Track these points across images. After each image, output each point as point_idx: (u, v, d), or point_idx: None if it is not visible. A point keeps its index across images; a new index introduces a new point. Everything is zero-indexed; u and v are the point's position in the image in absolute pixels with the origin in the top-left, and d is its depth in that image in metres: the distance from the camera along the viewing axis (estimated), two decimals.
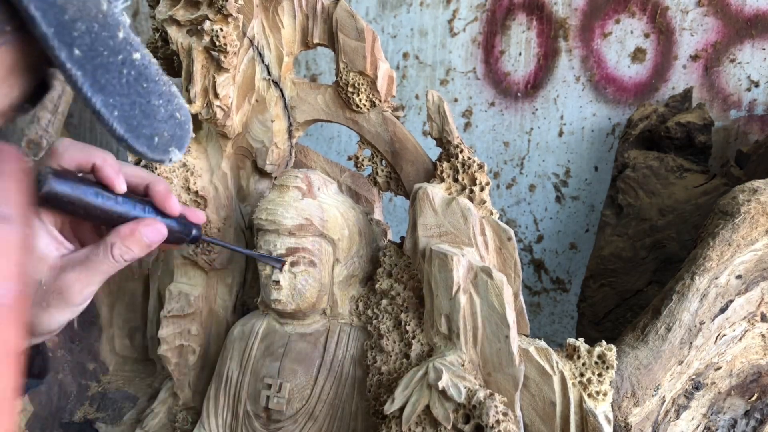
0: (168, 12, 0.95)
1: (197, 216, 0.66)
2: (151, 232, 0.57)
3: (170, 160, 0.48)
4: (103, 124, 0.42)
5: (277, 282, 0.91)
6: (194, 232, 0.66)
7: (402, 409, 0.80)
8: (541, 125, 1.70)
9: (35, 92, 0.45)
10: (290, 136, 1.06)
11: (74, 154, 0.56)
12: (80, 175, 0.57)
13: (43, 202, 0.54)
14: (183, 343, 1.08)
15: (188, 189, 1.02)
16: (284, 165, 1.08)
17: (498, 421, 0.73)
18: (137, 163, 0.98)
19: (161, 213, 0.62)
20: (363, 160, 1.04)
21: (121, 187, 0.58)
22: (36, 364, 0.61)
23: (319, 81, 2.00)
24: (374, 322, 0.93)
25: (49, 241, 0.55)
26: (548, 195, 1.72)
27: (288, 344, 0.95)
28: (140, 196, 0.62)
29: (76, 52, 0.39)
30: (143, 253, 0.57)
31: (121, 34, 0.44)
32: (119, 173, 0.57)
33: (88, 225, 0.61)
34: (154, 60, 0.49)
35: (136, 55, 0.45)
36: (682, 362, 0.88)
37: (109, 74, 0.42)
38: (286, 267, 0.90)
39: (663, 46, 1.52)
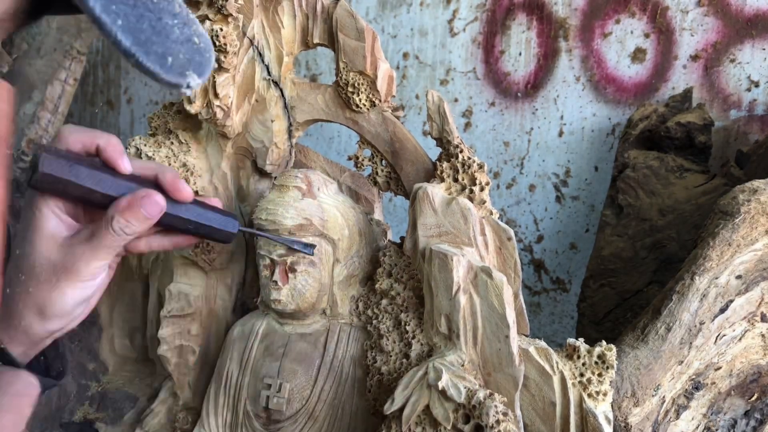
0: None
1: (214, 202, 0.64)
2: (148, 203, 0.54)
3: (188, 85, 0.44)
4: (105, 34, 0.38)
5: (277, 282, 0.91)
6: (231, 226, 0.61)
7: (402, 409, 0.80)
8: (541, 125, 1.70)
9: (33, 7, 0.42)
10: (290, 136, 1.06)
11: (79, 136, 0.55)
12: (85, 157, 0.56)
13: (40, 185, 0.53)
14: (183, 343, 1.08)
15: None
16: (284, 165, 1.08)
17: (498, 421, 0.73)
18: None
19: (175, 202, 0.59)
20: (363, 160, 1.04)
21: (125, 167, 0.56)
22: (54, 366, 0.61)
23: (319, 81, 2.00)
24: (374, 322, 0.93)
25: (57, 221, 0.55)
26: (548, 195, 1.72)
27: (288, 344, 0.95)
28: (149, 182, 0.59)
29: None
30: (143, 226, 0.55)
31: None
32: (123, 154, 0.56)
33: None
34: None
35: None
36: (682, 362, 0.88)
37: None
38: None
39: (663, 46, 1.52)
